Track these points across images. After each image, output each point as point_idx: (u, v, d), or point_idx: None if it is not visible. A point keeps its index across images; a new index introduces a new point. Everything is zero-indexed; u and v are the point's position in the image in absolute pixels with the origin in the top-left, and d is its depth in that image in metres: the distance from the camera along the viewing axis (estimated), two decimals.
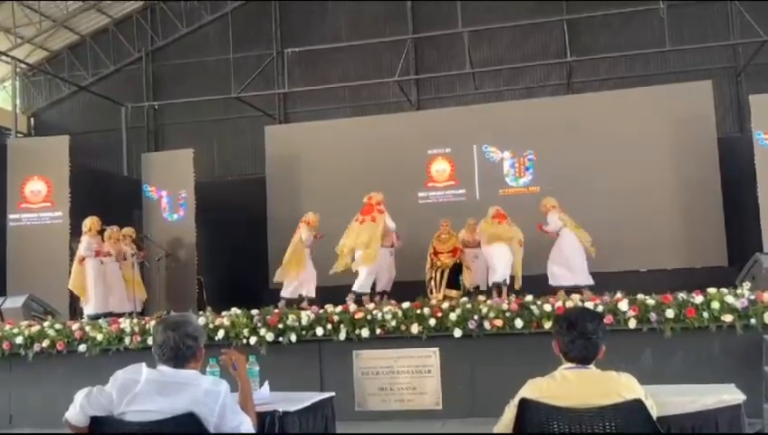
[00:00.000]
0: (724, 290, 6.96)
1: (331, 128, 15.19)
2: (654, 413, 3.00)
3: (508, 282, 10.12)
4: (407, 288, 10.69)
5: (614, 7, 14.39)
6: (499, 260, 10.25)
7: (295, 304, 9.78)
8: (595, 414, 2.90)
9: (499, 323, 7.22)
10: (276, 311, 7.97)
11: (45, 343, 8.12)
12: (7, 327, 8.44)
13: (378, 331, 7.48)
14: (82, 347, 8.04)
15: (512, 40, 16.46)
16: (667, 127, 13.02)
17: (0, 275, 11.75)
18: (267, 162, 15.10)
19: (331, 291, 9.69)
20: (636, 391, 2.98)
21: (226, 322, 7.80)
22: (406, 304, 7.66)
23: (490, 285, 10.36)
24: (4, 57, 16.06)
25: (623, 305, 6.95)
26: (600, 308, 6.91)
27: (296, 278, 10.50)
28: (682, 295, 6.97)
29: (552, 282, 10.15)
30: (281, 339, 7.64)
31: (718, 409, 3.65)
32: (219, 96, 16.08)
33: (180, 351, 3.06)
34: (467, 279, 10.43)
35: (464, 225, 11.01)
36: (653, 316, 6.85)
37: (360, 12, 17.19)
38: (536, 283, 9.85)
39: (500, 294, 9.60)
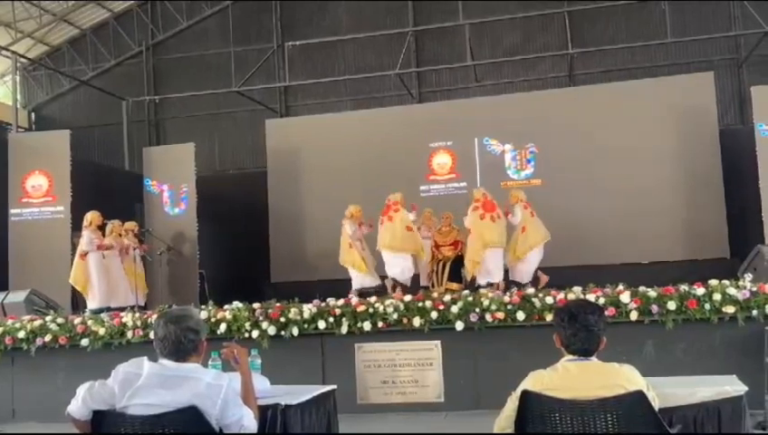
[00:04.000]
0: (726, 282, 6.95)
1: (332, 121, 15.18)
2: (656, 405, 3.00)
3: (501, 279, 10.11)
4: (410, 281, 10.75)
5: None
6: (491, 267, 10.16)
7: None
8: (597, 406, 2.90)
9: (501, 315, 7.21)
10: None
11: (47, 338, 8.11)
12: (9, 322, 8.44)
13: (379, 324, 7.47)
14: (85, 341, 8.04)
15: (513, 32, 16.41)
16: (668, 118, 12.99)
17: (2, 270, 11.78)
18: (268, 156, 15.09)
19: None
20: (638, 382, 2.98)
21: (228, 315, 7.80)
22: (408, 297, 7.67)
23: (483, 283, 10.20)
24: (4, 52, 16.06)
25: (625, 297, 6.94)
26: (601, 300, 6.91)
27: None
28: (684, 287, 6.96)
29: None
30: (283, 333, 7.63)
31: (720, 400, 3.65)
32: (220, 90, 16.08)
33: (182, 344, 3.06)
34: (470, 272, 10.42)
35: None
36: (655, 308, 6.84)
37: (360, 4, 17.14)
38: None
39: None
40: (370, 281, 10.53)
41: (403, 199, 10.66)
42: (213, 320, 7.75)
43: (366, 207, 10.94)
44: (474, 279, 10.13)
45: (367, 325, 7.46)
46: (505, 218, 10.38)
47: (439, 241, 10.72)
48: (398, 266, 10.35)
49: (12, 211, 12.29)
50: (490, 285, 9.81)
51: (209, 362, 3.90)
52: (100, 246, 10.38)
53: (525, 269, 10.36)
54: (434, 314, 7.37)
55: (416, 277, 10.90)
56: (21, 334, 8.20)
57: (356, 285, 10.49)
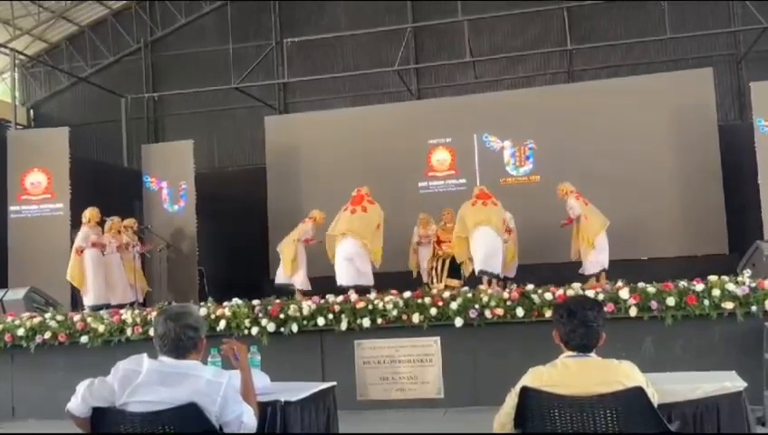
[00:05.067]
0: (725, 277, 6.96)
1: (330, 118, 15.17)
2: (655, 401, 3.01)
3: (496, 271, 9.71)
4: (407, 278, 10.75)
5: None
6: (480, 248, 9.75)
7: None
8: (596, 402, 2.91)
9: (500, 311, 7.22)
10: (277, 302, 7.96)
11: (47, 335, 8.13)
12: (9, 319, 8.45)
13: (379, 320, 7.49)
14: (84, 339, 8.05)
15: (512, 28, 16.41)
16: (667, 114, 12.98)
17: (1, 268, 11.77)
18: (267, 153, 15.09)
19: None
20: (637, 378, 2.99)
21: (228, 312, 7.81)
22: (407, 294, 7.67)
23: (470, 274, 9.93)
24: (2, 49, 16.02)
25: (624, 293, 6.95)
26: (601, 296, 6.92)
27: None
28: (683, 283, 6.98)
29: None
30: (282, 329, 7.64)
31: (719, 396, 3.65)
32: (219, 87, 16.05)
33: (181, 341, 3.06)
34: (468, 269, 10.38)
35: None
36: (654, 304, 6.86)
37: (359, 4, 17.08)
38: (540, 271, 9.87)
39: (489, 284, 9.20)
40: (286, 278, 10.61)
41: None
42: (212, 317, 7.76)
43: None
44: (472, 275, 10.04)
45: (366, 322, 7.48)
46: (500, 208, 10.06)
47: (442, 237, 10.68)
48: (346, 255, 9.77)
49: (11, 208, 12.28)
50: (487, 276, 9.54)
51: (209, 359, 3.90)
52: (95, 243, 10.30)
53: (596, 259, 9.93)
54: (433, 311, 7.38)
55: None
56: (20, 332, 8.21)
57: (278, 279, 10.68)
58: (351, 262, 9.66)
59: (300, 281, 10.55)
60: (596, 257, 9.90)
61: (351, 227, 9.79)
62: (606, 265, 9.90)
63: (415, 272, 11.15)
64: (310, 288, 10.33)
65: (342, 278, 9.61)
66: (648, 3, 14.67)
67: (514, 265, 10.67)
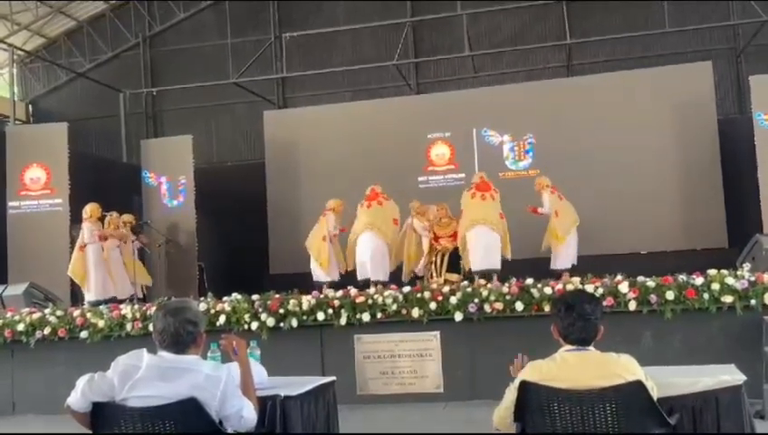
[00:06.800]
0: (725, 271, 6.96)
1: (329, 112, 15.13)
2: (654, 394, 3.01)
3: (496, 267, 9.43)
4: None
5: None
6: (477, 247, 9.56)
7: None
8: (596, 396, 2.91)
9: (499, 306, 7.23)
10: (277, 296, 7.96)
11: (47, 331, 8.14)
12: (8, 315, 8.46)
13: (379, 315, 7.50)
14: (84, 334, 8.06)
15: (511, 22, 16.36)
16: (666, 108, 12.97)
17: (1, 263, 11.77)
18: (266, 147, 15.07)
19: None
20: (636, 372, 2.99)
21: (227, 307, 7.82)
22: (406, 289, 7.68)
23: (468, 270, 9.70)
24: (1, 44, 16.00)
25: (623, 287, 6.96)
26: (600, 290, 6.93)
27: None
28: (682, 277, 6.98)
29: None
30: (282, 324, 7.65)
31: (719, 389, 3.65)
32: (217, 82, 16.02)
33: (180, 336, 3.06)
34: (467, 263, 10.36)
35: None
36: (653, 298, 6.86)
37: (357, 4, 16.97)
38: (533, 266, 9.85)
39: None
40: (325, 276, 10.32)
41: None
42: (212, 312, 7.77)
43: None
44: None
45: (366, 316, 7.50)
46: (498, 202, 9.85)
47: (438, 232, 10.67)
48: (370, 250, 9.95)
49: (10, 204, 12.28)
50: (481, 275, 9.27)
51: (208, 354, 3.91)
52: (101, 236, 10.38)
53: (567, 253, 10.19)
54: (433, 305, 7.40)
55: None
56: (20, 327, 8.22)
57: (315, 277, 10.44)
58: (373, 257, 9.87)
59: (334, 274, 10.51)
60: (566, 251, 10.22)
61: (372, 222, 10.00)
62: (575, 262, 10.18)
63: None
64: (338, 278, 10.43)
65: (370, 273, 9.77)
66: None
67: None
